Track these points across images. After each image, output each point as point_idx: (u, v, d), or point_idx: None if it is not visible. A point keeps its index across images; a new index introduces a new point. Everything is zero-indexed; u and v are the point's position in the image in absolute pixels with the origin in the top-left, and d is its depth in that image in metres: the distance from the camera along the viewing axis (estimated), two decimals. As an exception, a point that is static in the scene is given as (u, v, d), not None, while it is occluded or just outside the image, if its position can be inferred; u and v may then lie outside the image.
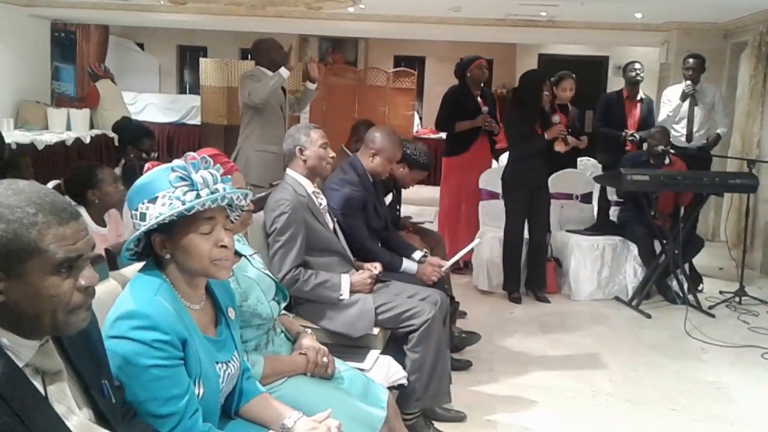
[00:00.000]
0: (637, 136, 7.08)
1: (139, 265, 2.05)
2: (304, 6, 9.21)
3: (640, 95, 7.36)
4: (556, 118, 5.99)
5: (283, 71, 5.64)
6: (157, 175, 1.95)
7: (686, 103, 6.94)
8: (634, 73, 7.27)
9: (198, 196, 1.91)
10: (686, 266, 6.16)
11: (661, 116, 7.14)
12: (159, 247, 1.97)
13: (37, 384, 1.49)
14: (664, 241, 6.02)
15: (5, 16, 9.51)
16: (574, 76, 6.77)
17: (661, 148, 6.22)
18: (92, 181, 4.00)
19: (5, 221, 1.40)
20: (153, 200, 1.92)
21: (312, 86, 6.10)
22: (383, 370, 3.19)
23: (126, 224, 4.25)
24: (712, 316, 5.83)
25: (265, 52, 5.87)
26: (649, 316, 5.80)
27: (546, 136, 5.88)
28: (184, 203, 1.89)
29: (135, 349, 1.83)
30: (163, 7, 9.92)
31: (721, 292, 6.33)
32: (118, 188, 4.13)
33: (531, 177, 5.96)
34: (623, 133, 7.12)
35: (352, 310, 3.50)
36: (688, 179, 5.91)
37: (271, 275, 2.86)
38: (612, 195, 6.92)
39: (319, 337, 3.02)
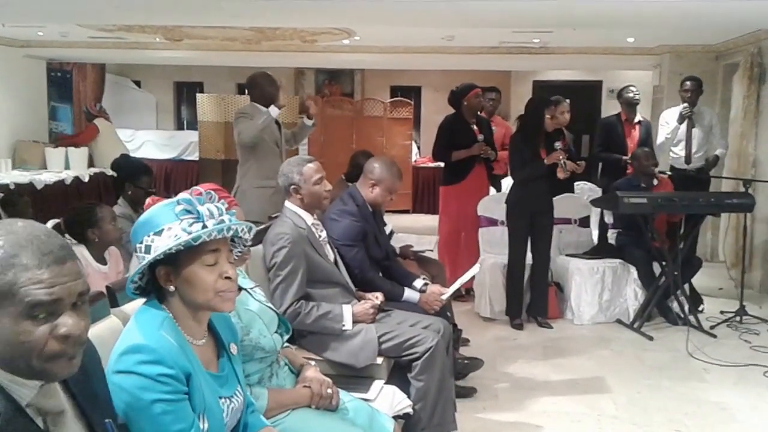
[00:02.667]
0: None
1: (141, 302, 2.04)
2: (299, 39, 9.30)
3: (638, 117, 7.41)
4: (557, 144, 5.98)
5: (273, 109, 5.62)
6: (161, 209, 1.97)
7: (684, 125, 7.00)
8: (631, 95, 7.34)
9: (204, 227, 1.92)
10: (686, 287, 6.17)
11: (660, 138, 7.19)
12: (163, 280, 1.97)
13: (40, 424, 1.47)
14: (664, 263, 6.02)
15: (0, 57, 9.61)
16: (567, 100, 6.79)
17: (657, 170, 6.27)
18: (91, 220, 4.04)
19: None
20: (159, 233, 1.93)
21: (309, 122, 6.02)
22: (388, 400, 3.18)
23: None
24: (714, 336, 5.83)
25: (259, 86, 5.81)
26: (651, 338, 5.79)
27: (546, 161, 5.91)
28: (190, 234, 1.90)
29: (140, 383, 1.83)
30: (158, 44, 10.02)
31: (721, 312, 6.33)
32: (116, 226, 4.17)
33: (534, 201, 5.97)
34: (624, 158, 7.15)
35: (355, 340, 3.50)
36: (684, 200, 5.91)
37: (273, 307, 2.86)
38: (609, 218, 6.91)
39: (323, 369, 3.01)
